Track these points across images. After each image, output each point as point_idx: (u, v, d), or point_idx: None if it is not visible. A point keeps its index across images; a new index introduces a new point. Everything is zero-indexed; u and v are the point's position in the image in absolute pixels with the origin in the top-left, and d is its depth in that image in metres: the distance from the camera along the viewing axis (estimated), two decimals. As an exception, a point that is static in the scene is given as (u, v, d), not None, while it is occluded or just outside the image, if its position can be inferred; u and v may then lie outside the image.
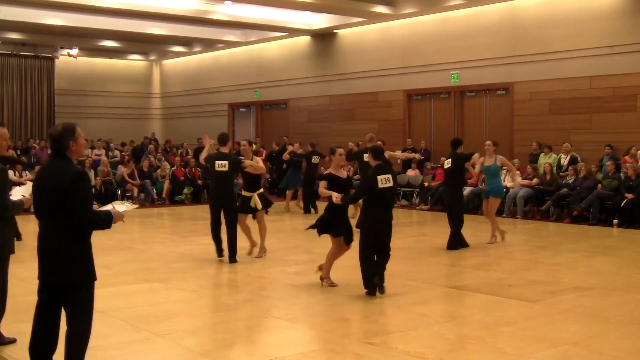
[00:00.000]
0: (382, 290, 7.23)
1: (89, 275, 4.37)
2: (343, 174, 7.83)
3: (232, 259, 9.35)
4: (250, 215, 9.88)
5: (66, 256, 4.26)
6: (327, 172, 7.85)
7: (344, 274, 8.76)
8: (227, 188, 9.51)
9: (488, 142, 11.33)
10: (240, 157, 9.71)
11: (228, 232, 9.36)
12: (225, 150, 9.58)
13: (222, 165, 9.37)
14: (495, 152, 11.31)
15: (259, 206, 9.69)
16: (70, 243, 4.27)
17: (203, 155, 10.08)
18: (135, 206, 5.30)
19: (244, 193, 9.87)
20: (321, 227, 7.69)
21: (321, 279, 7.85)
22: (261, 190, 9.88)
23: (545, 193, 14.84)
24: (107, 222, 4.38)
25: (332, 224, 7.63)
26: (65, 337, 4.37)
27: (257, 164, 9.64)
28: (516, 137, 16.95)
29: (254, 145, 14.31)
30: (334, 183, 7.59)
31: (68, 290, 4.32)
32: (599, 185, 14.03)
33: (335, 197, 7.38)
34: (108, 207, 4.55)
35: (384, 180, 7.31)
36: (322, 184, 7.57)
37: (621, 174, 14.03)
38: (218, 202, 9.51)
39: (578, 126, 15.82)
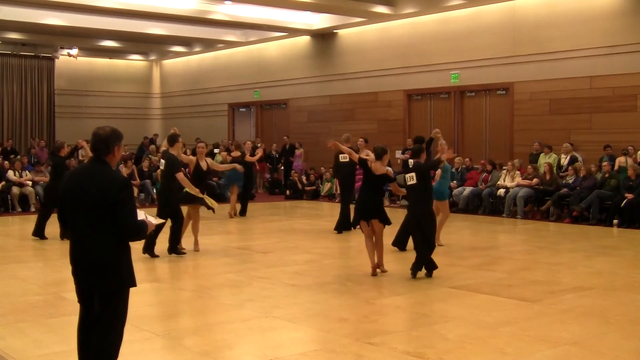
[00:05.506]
0: (412, 275, 8.19)
1: (131, 281, 4.26)
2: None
3: None
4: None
5: (111, 262, 4.14)
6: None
7: (346, 273, 8.77)
8: None
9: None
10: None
11: None
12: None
13: None
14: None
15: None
16: (114, 249, 4.15)
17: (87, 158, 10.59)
18: (162, 221, 5.06)
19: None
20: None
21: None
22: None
23: (545, 193, 14.83)
24: (145, 232, 4.29)
25: None
26: (97, 345, 4.21)
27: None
28: (516, 137, 16.94)
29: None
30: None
31: (109, 296, 4.17)
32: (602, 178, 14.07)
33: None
34: (141, 216, 4.41)
35: (410, 178, 8.99)
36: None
37: (615, 170, 14.10)
38: None
39: (578, 126, 15.81)
